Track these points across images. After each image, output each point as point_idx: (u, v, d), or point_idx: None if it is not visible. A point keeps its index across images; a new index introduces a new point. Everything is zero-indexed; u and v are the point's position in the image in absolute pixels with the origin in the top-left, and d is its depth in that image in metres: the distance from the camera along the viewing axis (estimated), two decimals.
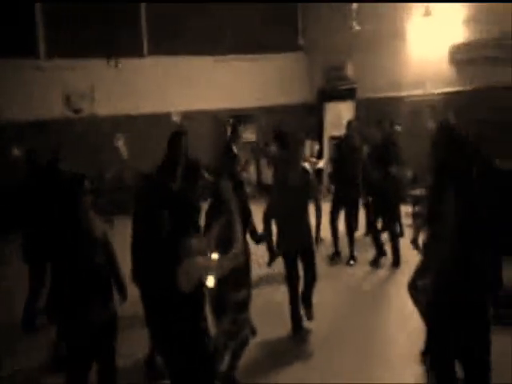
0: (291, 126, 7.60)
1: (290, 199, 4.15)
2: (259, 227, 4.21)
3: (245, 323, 3.43)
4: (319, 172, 9.96)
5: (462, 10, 7.54)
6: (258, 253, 5.39)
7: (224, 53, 10.58)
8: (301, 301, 4.32)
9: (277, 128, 6.16)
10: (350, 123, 6.38)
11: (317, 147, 10.76)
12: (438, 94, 7.95)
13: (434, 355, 2.88)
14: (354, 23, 9.21)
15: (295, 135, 4.39)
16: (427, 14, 8.01)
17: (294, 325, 4.28)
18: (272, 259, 5.74)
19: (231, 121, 5.35)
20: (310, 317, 4.35)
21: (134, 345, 3.82)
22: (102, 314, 2.85)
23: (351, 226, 6.07)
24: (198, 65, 10.20)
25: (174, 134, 4.22)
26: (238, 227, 2.53)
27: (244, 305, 3.43)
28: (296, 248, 4.22)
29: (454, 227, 2.58)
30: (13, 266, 5.07)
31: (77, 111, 9.08)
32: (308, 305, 4.36)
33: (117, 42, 9.27)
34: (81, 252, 2.80)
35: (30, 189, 4.37)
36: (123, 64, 9.43)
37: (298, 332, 4.27)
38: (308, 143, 11.00)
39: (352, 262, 6.03)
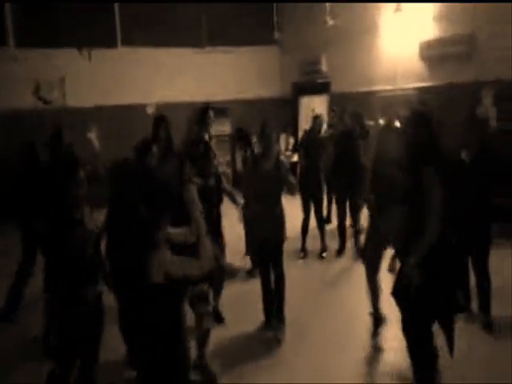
0: (267, 120, 7.62)
1: (262, 190, 4.12)
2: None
3: (206, 315, 3.49)
4: (294, 165, 10.06)
5: (432, 6, 7.70)
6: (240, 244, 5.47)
7: (200, 45, 10.53)
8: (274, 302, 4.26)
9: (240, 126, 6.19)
10: (315, 118, 6.46)
11: (292, 141, 10.87)
12: (409, 89, 8.12)
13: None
14: (328, 18, 9.30)
15: (266, 126, 4.35)
16: (398, 10, 8.15)
17: (266, 317, 4.31)
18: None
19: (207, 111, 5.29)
20: (280, 330, 4.18)
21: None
22: (91, 306, 2.85)
23: (320, 220, 6.17)
24: (173, 56, 10.12)
25: (156, 118, 4.23)
26: (202, 232, 2.39)
27: (203, 297, 3.46)
28: (267, 241, 4.17)
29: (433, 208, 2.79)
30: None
31: (47, 102, 8.88)
32: (280, 313, 4.22)
33: (89, 32, 9.09)
34: (73, 243, 2.78)
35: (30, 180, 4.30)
36: (96, 54, 9.27)
37: (270, 324, 4.27)
38: (283, 137, 11.10)
39: (324, 254, 6.14)
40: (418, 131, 3.04)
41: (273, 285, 4.19)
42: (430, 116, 3.16)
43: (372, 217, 4.08)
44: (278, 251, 4.17)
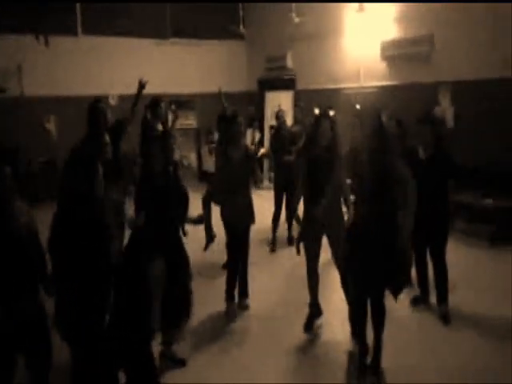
0: (237, 110, 7.64)
1: (232, 176, 4.26)
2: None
3: None
4: (260, 160, 10.08)
5: (393, 7, 7.88)
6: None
7: (164, 36, 10.35)
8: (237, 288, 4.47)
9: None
10: (277, 113, 6.58)
11: (258, 135, 10.88)
12: (371, 87, 8.29)
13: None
14: (294, 15, 9.35)
15: (234, 115, 4.48)
16: (361, 9, 8.29)
17: (228, 304, 4.42)
18: (208, 244, 5.84)
19: (159, 103, 5.34)
20: (246, 306, 4.50)
21: None
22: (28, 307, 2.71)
23: (289, 211, 6.25)
24: (137, 47, 9.92)
25: (92, 104, 4.15)
26: None
27: None
28: (238, 226, 4.34)
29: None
30: None
31: (3, 90, 8.52)
32: (245, 293, 4.52)
33: (49, 19, 8.76)
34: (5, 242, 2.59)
35: None
36: (56, 42, 8.95)
37: (232, 311, 4.42)
38: (249, 132, 11.10)
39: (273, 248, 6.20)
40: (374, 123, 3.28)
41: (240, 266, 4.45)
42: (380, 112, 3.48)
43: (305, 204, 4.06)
44: (247, 234, 4.44)
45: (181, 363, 3.58)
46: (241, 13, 10.79)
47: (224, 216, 4.38)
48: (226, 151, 4.36)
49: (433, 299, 4.38)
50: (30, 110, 8.64)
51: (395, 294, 3.31)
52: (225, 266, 5.32)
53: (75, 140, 4.05)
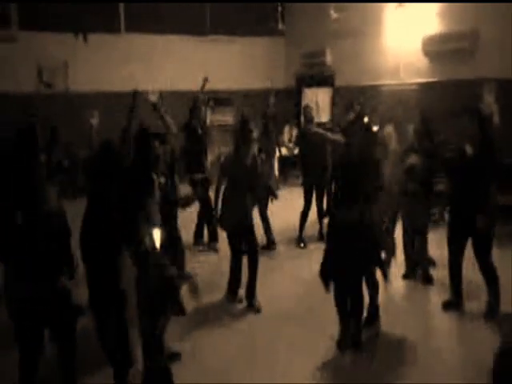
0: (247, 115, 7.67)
1: (237, 181, 4.33)
2: None
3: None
4: (295, 157, 10.06)
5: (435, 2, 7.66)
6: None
7: (204, 33, 10.48)
8: (245, 289, 4.53)
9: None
10: (304, 110, 6.51)
11: (295, 133, 10.84)
12: (411, 84, 8.10)
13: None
14: (332, 11, 9.25)
15: (248, 121, 4.51)
16: (400, 5, 8.11)
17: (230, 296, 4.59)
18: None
19: (197, 99, 5.51)
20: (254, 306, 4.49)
21: None
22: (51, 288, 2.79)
23: (318, 209, 6.23)
24: (176, 44, 10.10)
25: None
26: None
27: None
28: (237, 228, 4.39)
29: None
30: None
31: (49, 85, 8.89)
32: (251, 294, 4.51)
33: (92, 18, 9.06)
34: (32, 225, 2.70)
35: None
36: (98, 40, 9.25)
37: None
38: (286, 129, 11.08)
39: (302, 245, 6.21)
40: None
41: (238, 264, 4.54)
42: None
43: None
44: (251, 233, 4.46)
45: (176, 357, 3.55)
46: (279, 9, 10.78)
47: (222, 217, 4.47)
48: (237, 157, 4.40)
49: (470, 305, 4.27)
50: (75, 105, 8.97)
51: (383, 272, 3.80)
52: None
53: (116, 135, 4.18)
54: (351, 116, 5.40)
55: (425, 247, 4.93)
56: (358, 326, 3.78)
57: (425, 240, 4.90)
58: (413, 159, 4.61)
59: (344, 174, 3.70)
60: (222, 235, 4.91)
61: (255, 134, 4.50)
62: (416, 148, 4.69)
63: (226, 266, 4.69)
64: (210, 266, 5.51)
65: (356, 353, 3.69)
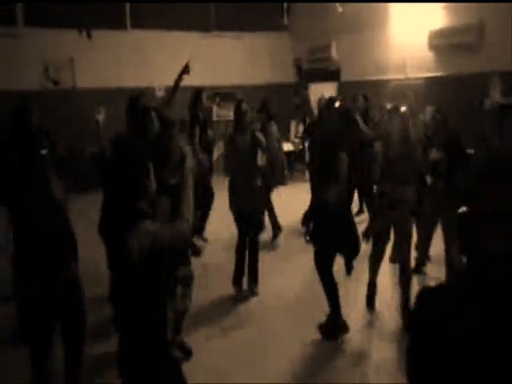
0: (276, 106, 7.71)
1: (240, 164, 4.43)
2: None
3: (187, 297, 3.61)
4: (301, 152, 10.07)
5: None
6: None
7: (208, 29, 10.49)
8: (247, 273, 4.64)
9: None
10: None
11: (301, 127, 10.82)
12: (418, 78, 8.07)
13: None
14: (338, 5, 9.21)
15: (242, 102, 4.77)
16: None
17: (236, 290, 4.62)
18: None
19: (201, 94, 5.56)
20: (254, 292, 4.62)
21: None
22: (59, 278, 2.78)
23: None
24: (183, 40, 10.10)
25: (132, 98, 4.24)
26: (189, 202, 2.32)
27: (187, 282, 3.57)
28: (245, 213, 4.47)
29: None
30: None
31: (57, 83, 8.94)
32: (254, 279, 4.63)
33: (99, 14, 9.10)
34: (39, 214, 2.69)
35: None
36: (106, 36, 9.29)
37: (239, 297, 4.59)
38: (292, 123, 11.05)
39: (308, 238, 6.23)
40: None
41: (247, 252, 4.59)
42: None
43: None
44: (259, 220, 4.62)
45: (187, 353, 3.62)
46: (284, 4, 10.76)
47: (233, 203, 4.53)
48: (233, 141, 4.53)
49: None
50: (82, 101, 9.03)
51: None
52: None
53: (122, 131, 4.22)
54: (324, 101, 5.50)
55: (429, 243, 4.92)
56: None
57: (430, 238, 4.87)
58: (435, 154, 4.42)
59: (319, 154, 3.82)
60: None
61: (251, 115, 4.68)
62: (435, 142, 4.48)
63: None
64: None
65: None
